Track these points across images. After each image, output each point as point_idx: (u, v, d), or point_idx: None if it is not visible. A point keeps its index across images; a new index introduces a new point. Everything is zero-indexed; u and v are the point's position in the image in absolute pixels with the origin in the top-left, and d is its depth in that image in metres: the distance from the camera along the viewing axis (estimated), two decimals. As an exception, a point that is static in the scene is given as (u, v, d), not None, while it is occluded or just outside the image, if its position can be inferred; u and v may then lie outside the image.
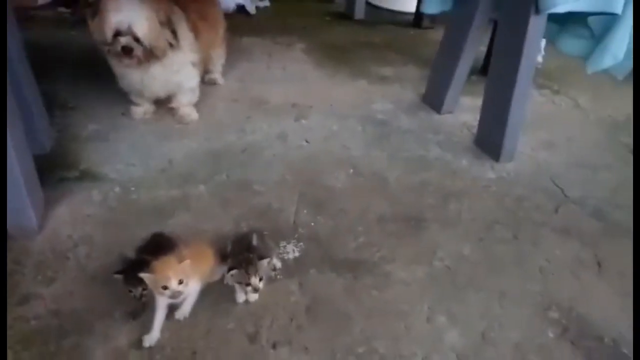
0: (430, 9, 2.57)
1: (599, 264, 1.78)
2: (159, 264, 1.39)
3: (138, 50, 2.07)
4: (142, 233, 1.66)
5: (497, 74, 2.30)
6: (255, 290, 1.49)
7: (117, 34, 2.03)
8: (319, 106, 2.72)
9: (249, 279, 1.46)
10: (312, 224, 1.88)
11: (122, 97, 2.44)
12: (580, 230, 1.94)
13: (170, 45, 2.17)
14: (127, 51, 2.06)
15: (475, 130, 2.51)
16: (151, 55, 2.12)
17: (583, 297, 1.64)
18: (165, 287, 1.37)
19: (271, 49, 3.42)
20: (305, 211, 1.94)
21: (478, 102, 2.45)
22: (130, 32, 2.03)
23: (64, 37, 3.33)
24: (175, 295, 1.38)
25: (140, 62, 2.12)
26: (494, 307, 1.59)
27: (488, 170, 2.29)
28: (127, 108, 2.46)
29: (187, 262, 1.39)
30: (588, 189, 2.19)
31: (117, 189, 1.96)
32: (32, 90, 2.02)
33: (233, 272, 1.47)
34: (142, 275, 1.36)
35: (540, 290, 1.66)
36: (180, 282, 1.38)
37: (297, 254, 1.74)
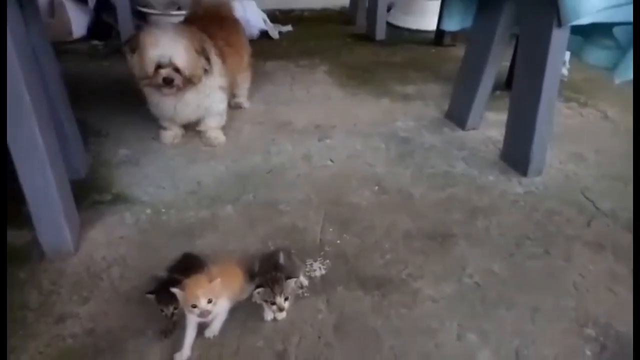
0: (450, 26, 2.59)
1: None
2: (190, 282, 1.42)
3: (178, 80, 2.17)
4: (173, 253, 1.70)
5: (521, 88, 2.29)
6: (280, 309, 1.50)
7: (158, 66, 2.13)
8: (342, 126, 2.75)
9: (274, 297, 1.48)
10: (338, 241, 1.89)
11: (151, 123, 2.52)
12: (614, 243, 1.89)
13: (205, 71, 2.26)
14: (168, 82, 2.16)
15: (500, 145, 2.49)
16: (189, 82, 2.22)
17: (620, 313, 1.59)
18: (194, 306, 1.39)
19: (294, 72, 3.49)
20: (331, 229, 1.95)
21: (503, 117, 2.44)
22: (170, 64, 2.13)
23: (97, 67, 3.49)
24: (204, 314, 1.41)
25: (179, 90, 2.23)
26: (527, 324, 1.55)
27: (515, 185, 2.26)
28: (156, 133, 2.54)
29: (217, 281, 1.42)
30: (620, 201, 2.14)
31: (148, 211, 2.02)
32: (68, 119, 2.12)
33: (260, 290, 1.49)
34: (174, 290, 1.39)
35: (575, 306, 1.61)
36: (209, 302, 1.41)
37: (323, 272, 1.75)
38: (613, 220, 2.02)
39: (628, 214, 2.05)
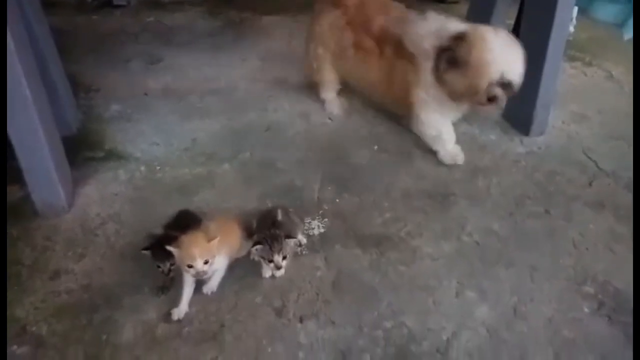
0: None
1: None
2: (187, 240, 1.39)
3: (503, 98, 1.86)
4: (168, 211, 1.67)
5: (527, 46, 2.21)
6: (278, 268, 1.48)
7: (493, 84, 1.79)
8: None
9: (272, 255, 1.46)
10: (337, 200, 1.86)
11: (144, 78, 2.44)
12: (615, 203, 1.87)
13: None
14: (494, 99, 1.84)
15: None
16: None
17: (619, 271, 1.59)
18: (190, 266, 1.37)
19: (292, 27, 3.36)
20: (329, 188, 1.92)
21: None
22: (506, 81, 1.80)
23: (85, 21, 3.34)
24: (199, 274, 1.39)
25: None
26: (526, 281, 1.55)
27: (517, 145, 2.22)
28: (148, 89, 2.46)
29: (215, 241, 1.39)
30: (622, 161, 2.11)
31: (142, 168, 1.97)
32: (58, 73, 2.04)
33: (257, 247, 1.47)
34: (170, 248, 1.37)
35: (574, 265, 1.61)
36: (206, 262, 1.38)
37: (322, 230, 1.73)
38: (615, 180, 2.00)
39: (630, 173, 2.02)
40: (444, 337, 1.37)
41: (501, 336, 1.38)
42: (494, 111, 2.11)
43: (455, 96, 1.92)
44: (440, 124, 2.07)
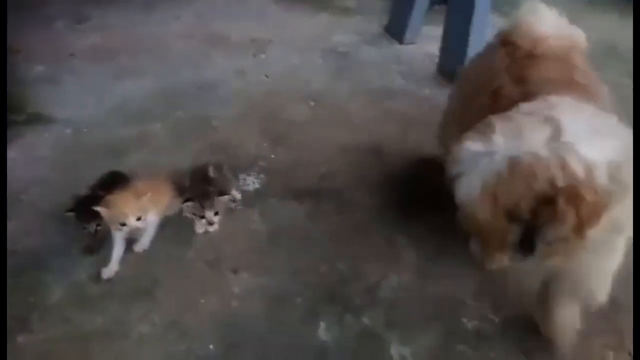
0: None
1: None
2: (116, 199, 1.37)
3: None
4: (97, 173, 1.62)
5: (456, 1, 2.26)
6: (210, 223, 1.49)
7: None
8: (280, 40, 2.63)
9: (203, 212, 1.46)
10: (272, 156, 1.87)
11: (70, 38, 2.31)
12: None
13: None
14: None
15: (438, 60, 2.48)
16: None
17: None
18: (123, 224, 1.36)
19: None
20: (265, 144, 1.92)
21: (441, 31, 2.40)
22: None
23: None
24: (133, 232, 1.37)
25: None
26: (453, 225, 1.63)
27: (450, 98, 2.28)
28: (75, 49, 2.34)
29: (146, 197, 1.38)
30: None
31: (68, 131, 1.89)
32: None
33: (188, 204, 1.46)
34: (99, 209, 1.34)
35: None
36: (138, 219, 1.37)
37: (257, 186, 1.74)
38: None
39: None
40: (374, 279, 1.43)
41: (428, 273, 1.45)
42: None
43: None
44: None
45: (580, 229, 0.92)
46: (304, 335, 1.27)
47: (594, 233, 0.93)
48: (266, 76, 2.33)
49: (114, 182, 1.52)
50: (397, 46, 2.68)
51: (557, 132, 0.94)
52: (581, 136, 0.95)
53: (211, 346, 1.23)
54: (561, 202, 0.91)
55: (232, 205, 1.64)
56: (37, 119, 1.94)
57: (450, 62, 2.36)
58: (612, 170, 0.91)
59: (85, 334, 1.25)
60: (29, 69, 2.23)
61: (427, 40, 2.70)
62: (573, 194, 0.91)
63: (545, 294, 1.21)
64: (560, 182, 0.91)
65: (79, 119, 1.96)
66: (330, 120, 2.08)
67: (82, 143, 1.85)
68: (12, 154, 1.77)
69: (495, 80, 1.26)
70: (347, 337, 1.27)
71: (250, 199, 1.68)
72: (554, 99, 1.04)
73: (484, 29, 2.22)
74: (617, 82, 2.35)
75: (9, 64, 2.23)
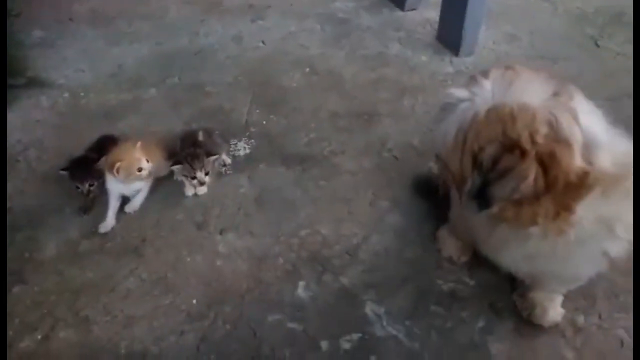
0: None
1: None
2: (121, 152, 1.46)
3: None
4: (92, 136, 1.67)
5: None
6: (201, 183, 1.53)
7: None
8: (278, 6, 2.60)
9: (194, 172, 1.50)
10: (264, 122, 1.89)
11: (69, 2, 2.33)
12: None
13: None
14: None
15: (437, 26, 2.44)
16: None
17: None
18: (140, 169, 1.46)
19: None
20: (257, 111, 1.94)
21: (442, -5, 2.36)
22: None
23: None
24: (150, 175, 1.50)
25: None
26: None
27: (447, 65, 2.26)
28: (74, 13, 2.35)
29: (139, 144, 1.47)
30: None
31: (66, 95, 1.93)
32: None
33: (178, 166, 1.51)
34: (117, 166, 1.41)
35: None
36: (147, 161, 1.48)
37: (247, 151, 1.77)
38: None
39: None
40: (355, 242, 1.47)
41: (408, 237, 1.49)
42: None
43: None
44: None
45: (543, 194, 0.84)
46: (283, 292, 1.33)
47: (575, 226, 0.87)
48: (263, 42, 2.33)
49: (106, 144, 1.57)
50: (398, 13, 2.63)
51: (562, 96, 0.85)
52: (590, 113, 0.86)
53: (194, 301, 1.30)
54: (529, 158, 0.82)
55: (223, 169, 1.67)
56: (35, 83, 1.98)
57: (449, 29, 2.33)
58: (614, 155, 0.85)
59: (76, 286, 1.32)
60: (28, 33, 2.25)
61: (428, 6, 2.65)
62: (548, 155, 0.82)
63: (529, 279, 1.18)
64: (541, 139, 0.82)
65: (76, 83, 1.99)
66: (324, 87, 2.09)
67: (79, 107, 1.89)
68: (10, 117, 1.82)
69: None
70: (324, 295, 1.32)
71: (240, 163, 1.72)
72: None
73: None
74: (621, 50, 2.32)
75: (8, 28, 2.27)
